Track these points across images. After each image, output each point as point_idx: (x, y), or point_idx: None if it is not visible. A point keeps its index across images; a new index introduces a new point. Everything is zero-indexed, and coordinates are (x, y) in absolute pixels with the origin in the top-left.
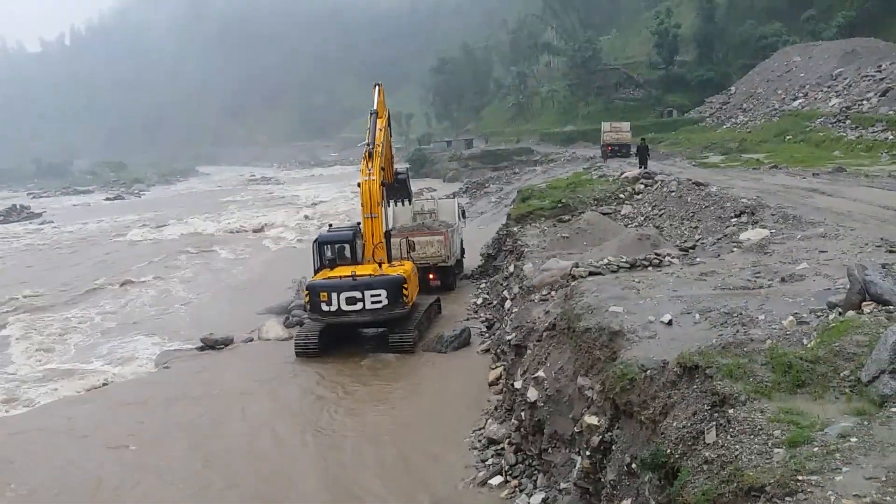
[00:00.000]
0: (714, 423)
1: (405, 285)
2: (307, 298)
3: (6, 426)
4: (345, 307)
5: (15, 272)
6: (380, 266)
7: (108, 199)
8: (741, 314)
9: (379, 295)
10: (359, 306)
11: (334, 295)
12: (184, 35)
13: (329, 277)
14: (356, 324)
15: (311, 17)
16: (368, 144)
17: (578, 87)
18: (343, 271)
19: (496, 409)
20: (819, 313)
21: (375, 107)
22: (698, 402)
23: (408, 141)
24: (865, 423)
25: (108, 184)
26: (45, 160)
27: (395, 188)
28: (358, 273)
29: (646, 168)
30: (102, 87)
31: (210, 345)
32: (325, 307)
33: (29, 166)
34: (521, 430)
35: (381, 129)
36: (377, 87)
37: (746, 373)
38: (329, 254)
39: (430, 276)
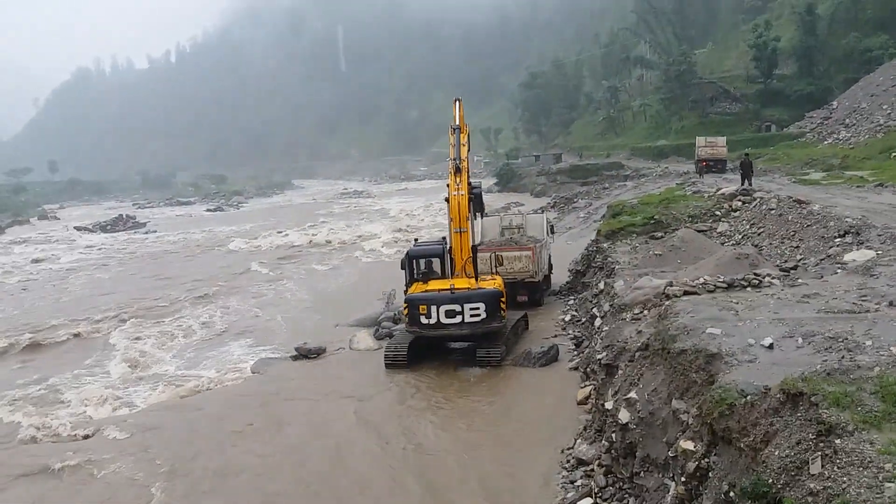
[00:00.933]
0: (819, 453)
1: (502, 299)
2: (406, 311)
3: (113, 427)
4: (444, 320)
5: (116, 282)
6: (476, 280)
7: (208, 210)
8: (847, 339)
9: (478, 308)
10: (458, 319)
11: (433, 308)
12: (282, 52)
13: (427, 290)
14: (454, 336)
15: (405, 33)
16: (454, 160)
17: (672, 101)
18: (439, 284)
19: (585, 428)
20: None
21: (457, 122)
22: (802, 431)
23: (496, 155)
24: None
25: (208, 195)
26: (150, 172)
27: (470, 201)
28: (456, 286)
29: (749, 185)
30: (205, 102)
31: (304, 354)
32: (424, 320)
33: (135, 178)
34: (612, 451)
35: (463, 145)
36: (457, 102)
37: (854, 401)
38: (420, 267)
39: (520, 293)
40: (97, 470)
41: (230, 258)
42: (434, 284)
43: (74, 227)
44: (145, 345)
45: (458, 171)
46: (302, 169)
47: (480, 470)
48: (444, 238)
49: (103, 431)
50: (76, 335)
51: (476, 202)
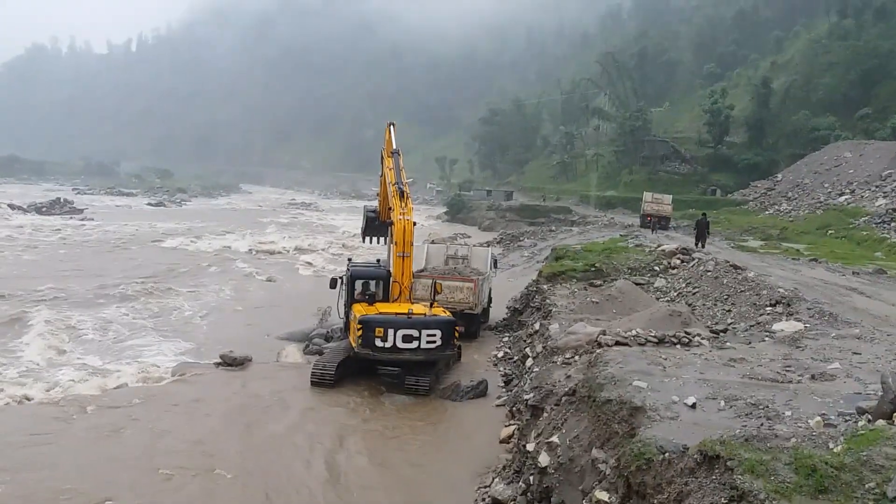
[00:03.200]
0: None
1: (457, 327)
2: (360, 332)
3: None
4: (400, 344)
5: (47, 265)
6: (430, 306)
7: (149, 204)
8: (768, 407)
9: (434, 335)
10: (414, 344)
11: (391, 331)
12: (245, 55)
13: (381, 313)
14: (408, 362)
15: (372, 54)
16: (397, 184)
17: (624, 154)
18: (389, 308)
19: (504, 468)
20: (848, 417)
21: (394, 145)
22: (715, 494)
23: (449, 185)
24: None
25: (151, 189)
26: (94, 158)
27: (386, 227)
28: (414, 312)
29: (703, 247)
30: (160, 95)
31: (228, 362)
32: (379, 343)
33: (77, 163)
34: (528, 494)
35: (402, 168)
36: (391, 126)
37: (769, 470)
38: (359, 288)
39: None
40: None
41: (166, 256)
42: (384, 307)
43: (7, 205)
44: (63, 333)
45: (402, 195)
46: (251, 174)
47: (393, 497)
48: (378, 261)
49: None
50: None
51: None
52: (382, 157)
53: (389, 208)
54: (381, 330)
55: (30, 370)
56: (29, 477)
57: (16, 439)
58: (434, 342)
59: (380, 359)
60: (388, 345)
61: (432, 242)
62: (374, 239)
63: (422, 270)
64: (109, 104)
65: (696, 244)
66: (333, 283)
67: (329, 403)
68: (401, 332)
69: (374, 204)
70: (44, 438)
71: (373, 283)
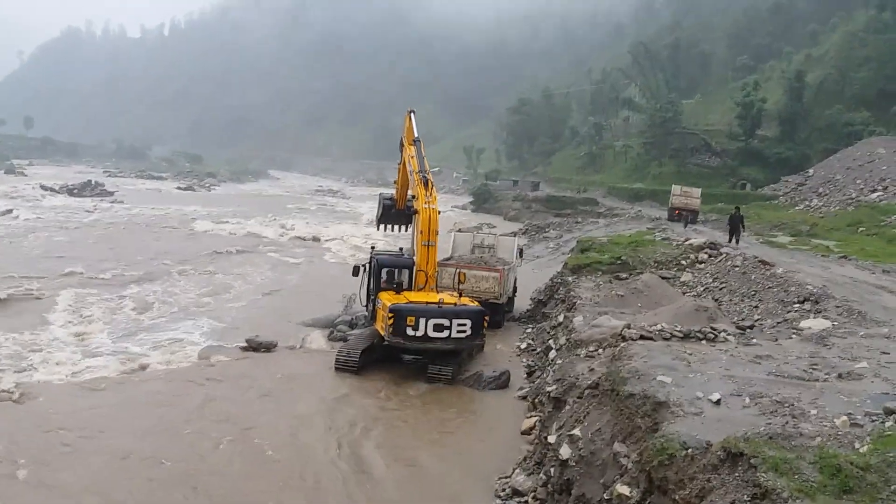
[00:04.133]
0: None
1: (486, 317)
2: (391, 321)
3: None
4: (432, 333)
5: (76, 246)
6: (460, 296)
7: (179, 188)
8: (793, 405)
9: (464, 324)
10: (445, 333)
11: (422, 320)
12: (278, 40)
13: (411, 302)
14: (439, 351)
15: (403, 42)
16: (420, 172)
17: (653, 146)
18: (418, 297)
19: (525, 459)
20: (874, 417)
21: (416, 133)
22: (738, 492)
23: (475, 175)
24: None
25: (181, 173)
26: (126, 142)
27: (403, 215)
28: (445, 301)
29: (737, 242)
30: (192, 79)
31: (254, 346)
32: (410, 332)
33: (109, 145)
34: (549, 486)
35: (413, 157)
36: (411, 113)
37: (793, 469)
38: (385, 277)
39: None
40: None
41: (194, 239)
42: (412, 296)
43: (41, 186)
44: (93, 313)
45: (426, 183)
46: (281, 160)
47: (413, 487)
48: (401, 249)
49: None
50: (25, 294)
51: (409, 217)
52: (402, 145)
53: (413, 197)
54: (413, 319)
55: (52, 351)
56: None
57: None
58: (464, 331)
59: (410, 347)
60: (419, 333)
61: (459, 231)
62: (391, 227)
63: (448, 259)
64: (142, 88)
65: (730, 240)
66: (356, 271)
67: (353, 390)
68: (432, 322)
69: (391, 192)
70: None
71: (399, 271)
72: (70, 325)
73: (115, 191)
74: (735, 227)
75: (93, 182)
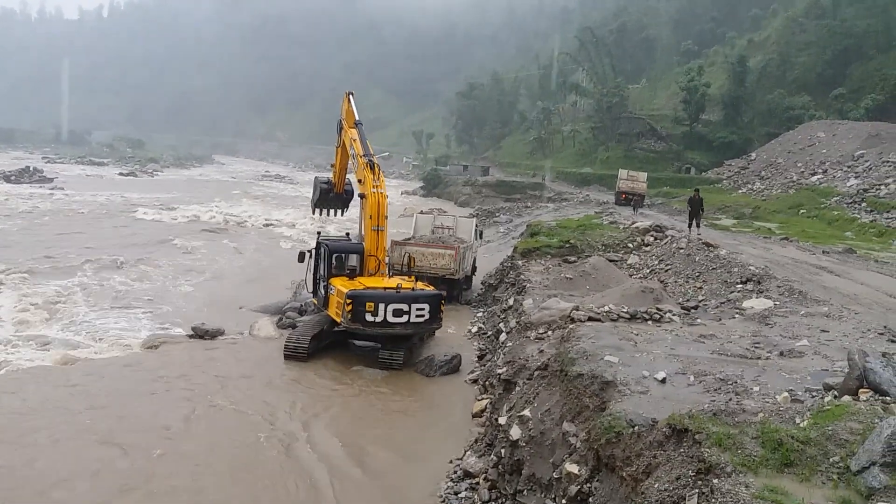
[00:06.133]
0: (697, 490)
1: (443, 301)
2: (349, 307)
3: None
4: (391, 319)
5: (14, 235)
6: (416, 280)
7: (121, 174)
8: (736, 382)
9: (423, 309)
10: (404, 319)
11: (381, 306)
12: (221, 24)
13: (370, 287)
14: (398, 336)
15: (349, 26)
16: (365, 155)
17: (601, 130)
18: (374, 282)
19: (476, 441)
20: (814, 393)
21: (356, 116)
22: (683, 467)
23: (425, 160)
24: None
25: (123, 159)
26: (65, 127)
27: (341, 199)
28: (403, 286)
29: (698, 227)
30: (132, 63)
31: (200, 334)
32: (370, 317)
33: (48, 131)
34: (500, 467)
35: (356, 140)
36: (349, 95)
37: (735, 444)
38: (335, 263)
39: (439, 288)
40: None
41: (137, 226)
42: (368, 282)
43: None
44: (33, 304)
45: (372, 167)
46: (225, 145)
47: (364, 471)
48: (347, 234)
49: None
50: None
51: (346, 200)
52: (340, 128)
53: (360, 181)
54: (372, 305)
55: None
56: None
57: None
58: (423, 316)
59: (369, 333)
60: (378, 319)
61: (421, 213)
62: (328, 211)
63: (409, 238)
64: (81, 72)
65: (690, 225)
66: (302, 257)
67: (302, 377)
68: (392, 307)
69: (328, 175)
70: None
71: (349, 256)
72: (9, 314)
73: (54, 177)
74: (695, 210)
75: (31, 168)
